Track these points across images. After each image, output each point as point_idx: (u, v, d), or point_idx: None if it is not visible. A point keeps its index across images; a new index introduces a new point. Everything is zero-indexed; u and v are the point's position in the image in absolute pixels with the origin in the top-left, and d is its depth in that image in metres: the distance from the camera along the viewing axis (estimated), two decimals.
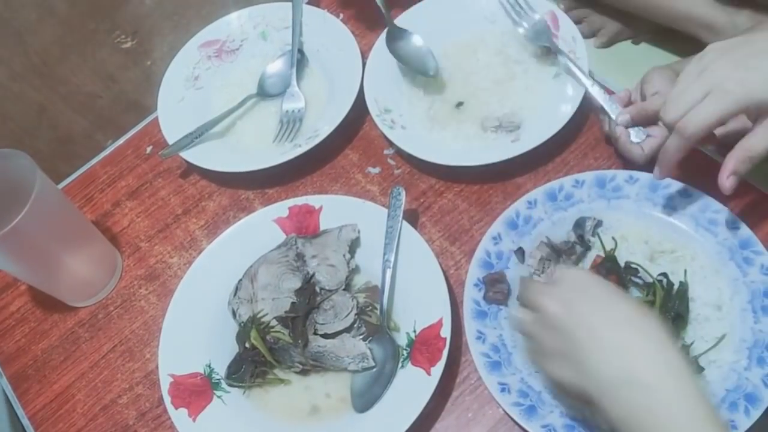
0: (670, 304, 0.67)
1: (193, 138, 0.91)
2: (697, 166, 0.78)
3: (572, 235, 0.74)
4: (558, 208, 0.76)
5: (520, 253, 0.74)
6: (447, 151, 0.83)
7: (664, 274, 0.69)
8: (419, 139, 0.85)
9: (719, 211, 0.72)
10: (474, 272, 0.73)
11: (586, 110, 0.84)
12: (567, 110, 0.81)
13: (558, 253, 0.73)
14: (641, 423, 0.51)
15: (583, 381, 0.55)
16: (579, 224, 0.74)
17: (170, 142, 0.92)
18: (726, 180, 0.63)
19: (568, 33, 0.87)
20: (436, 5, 0.94)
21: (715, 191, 0.74)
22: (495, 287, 0.72)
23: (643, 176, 0.75)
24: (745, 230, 0.70)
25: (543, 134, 0.79)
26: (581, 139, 0.84)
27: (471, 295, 0.72)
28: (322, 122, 0.89)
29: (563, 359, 0.57)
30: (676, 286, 0.69)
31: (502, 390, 0.67)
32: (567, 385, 0.57)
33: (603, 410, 0.54)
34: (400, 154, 0.88)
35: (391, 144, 0.87)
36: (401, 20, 0.94)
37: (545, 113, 0.83)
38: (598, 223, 0.74)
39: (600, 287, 0.58)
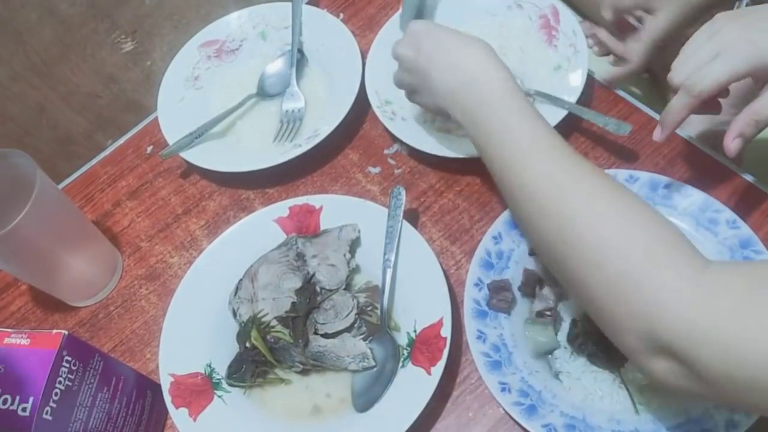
0: None
1: (193, 138, 0.91)
2: (697, 165, 0.78)
3: None
4: None
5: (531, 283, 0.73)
6: (447, 144, 0.83)
7: None
8: (419, 131, 0.85)
9: (720, 211, 0.71)
10: (474, 272, 0.73)
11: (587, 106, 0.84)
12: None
13: None
14: (477, 115, 0.65)
15: (436, 100, 0.71)
16: None
17: (170, 142, 0.92)
18: (731, 142, 0.64)
19: (568, 27, 0.87)
20: None
21: (716, 191, 0.74)
22: (500, 295, 0.71)
23: (644, 175, 0.75)
24: (745, 229, 0.70)
25: None
26: (581, 138, 0.84)
27: (471, 294, 0.72)
28: (322, 122, 0.89)
29: (420, 90, 0.74)
30: None
31: (503, 389, 0.67)
32: (429, 107, 0.75)
33: (453, 117, 0.68)
34: (401, 153, 0.88)
35: (394, 139, 0.87)
36: (402, 13, 0.93)
37: (545, 107, 0.83)
38: None
39: (440, 30, 0.71)
